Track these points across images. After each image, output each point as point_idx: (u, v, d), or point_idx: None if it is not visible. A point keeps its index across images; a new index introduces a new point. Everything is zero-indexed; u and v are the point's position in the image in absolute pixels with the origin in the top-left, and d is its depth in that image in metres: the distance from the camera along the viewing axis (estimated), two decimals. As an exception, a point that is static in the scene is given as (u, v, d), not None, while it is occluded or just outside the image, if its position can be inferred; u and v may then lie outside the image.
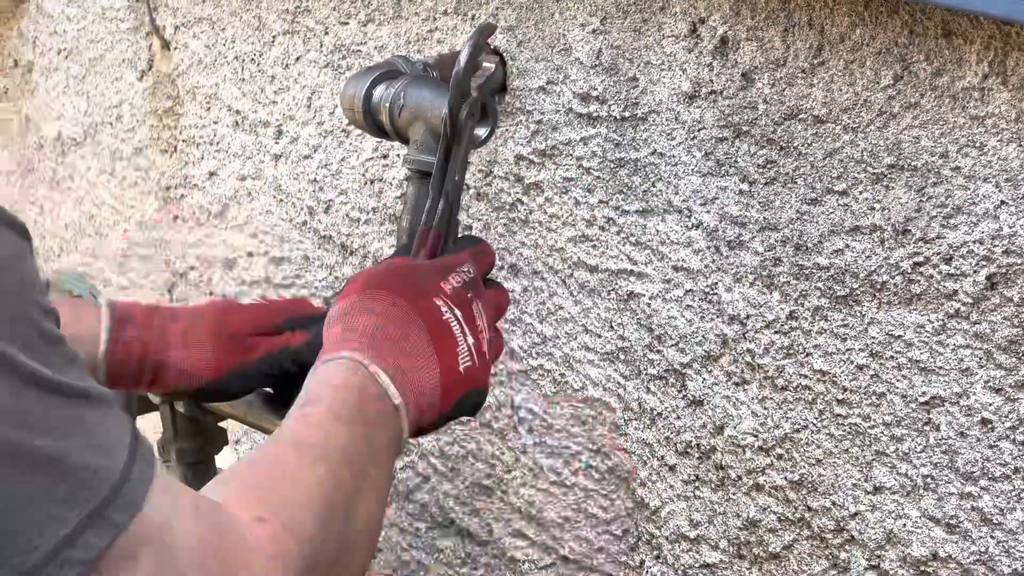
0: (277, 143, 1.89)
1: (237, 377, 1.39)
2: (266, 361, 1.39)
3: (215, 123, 2.00)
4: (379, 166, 1.75)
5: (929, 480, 1.31)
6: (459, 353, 1.17)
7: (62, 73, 2.42)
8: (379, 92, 1.45)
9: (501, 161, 1.61)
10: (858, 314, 1.34)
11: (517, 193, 1.60)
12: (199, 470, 1.64)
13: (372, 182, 1.77)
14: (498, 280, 1.54)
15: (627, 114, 1.48)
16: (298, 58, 1.85)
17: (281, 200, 1.91)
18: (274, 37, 1.88)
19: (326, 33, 1.79)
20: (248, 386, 1.41)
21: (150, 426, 1.91)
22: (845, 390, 1.36)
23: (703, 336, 1.46)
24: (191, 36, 2.01)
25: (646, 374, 1.52)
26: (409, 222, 1.44)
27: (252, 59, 1.92)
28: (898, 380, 1.32)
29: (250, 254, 2.03)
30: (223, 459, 1.71)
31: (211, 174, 2.07)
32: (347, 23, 1.76)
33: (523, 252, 1.61)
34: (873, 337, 1.33)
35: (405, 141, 1.46)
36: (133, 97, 2.23)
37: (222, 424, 1.67)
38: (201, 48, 1.99)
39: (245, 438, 2.16)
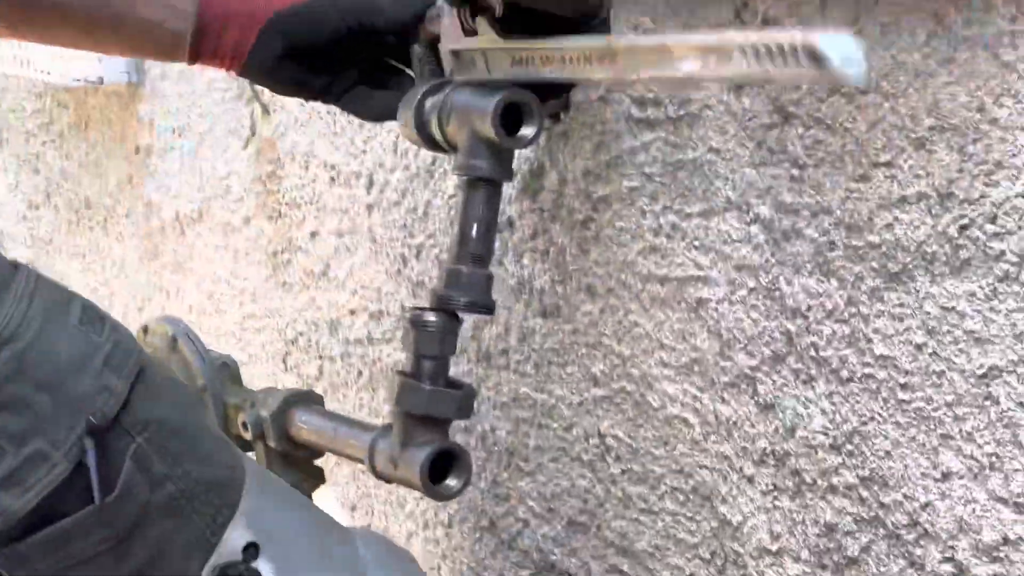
0: (369, 194, 1.91)
1: None
2: None
3: (313, 181, 2.03)
4: (463, 202, 1.75)
5: (994, 459, 1.23)
6: None
7: (176, 152, 2.49)
8: (429, 103, 1.45)
9: (571, 180, 1.59)
10: (913, 291, 1.27)
11: (587, 210, 1.58)
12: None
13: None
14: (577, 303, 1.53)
15: (682, 112, 1.45)
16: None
17: (376, 252, 1.92)
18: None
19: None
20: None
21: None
22: (907, 373, 1.29)
23: (769, 336, 1.41)
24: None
25: (719, 383, 1.47)
26: (459, 229, 1.44)
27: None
28: (956, 355, 1.25)
29: (352, 312, 2.04)
30: (320, 497, 1.71)
31: (312, 234, 2.09)
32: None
33: (597, 271, 1.58)
34: (928, 312, 1.26)
35: (456, 150, 1.45)
36: (239, 167, 2.28)
37: (318, 462, 1.68)
38: (295, 106, 2.03)
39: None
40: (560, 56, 1.31)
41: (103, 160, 2.80)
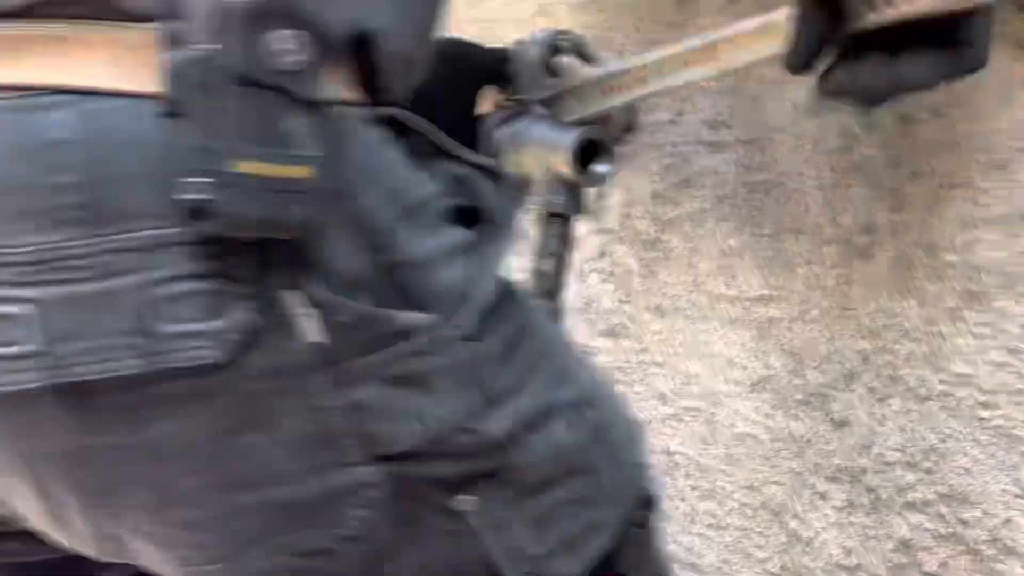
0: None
1: None
2: None
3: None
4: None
5: (1077, 475, 1.25)
6: None
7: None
8: (502, 134, 1.46)
9: (637, 201, 1.61)
10: (993, 310, 1.29)
11: (656, 231, 1.60)
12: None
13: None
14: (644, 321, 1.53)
15: (753, 135, 1.47)
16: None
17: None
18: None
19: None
20: None
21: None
22: (986, 392, 1.31)
23: (843, 355, 1.43)
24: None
25: (792, 400, 1.49)
26: (537, 263, 1.45)
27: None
28: (1037, 373, 1.27)
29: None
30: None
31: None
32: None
33: (666, 291, 1.60)
34: (1009, 332, 1.28)
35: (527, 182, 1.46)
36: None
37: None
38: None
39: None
40: (657, 70, 1.32)
41: None
